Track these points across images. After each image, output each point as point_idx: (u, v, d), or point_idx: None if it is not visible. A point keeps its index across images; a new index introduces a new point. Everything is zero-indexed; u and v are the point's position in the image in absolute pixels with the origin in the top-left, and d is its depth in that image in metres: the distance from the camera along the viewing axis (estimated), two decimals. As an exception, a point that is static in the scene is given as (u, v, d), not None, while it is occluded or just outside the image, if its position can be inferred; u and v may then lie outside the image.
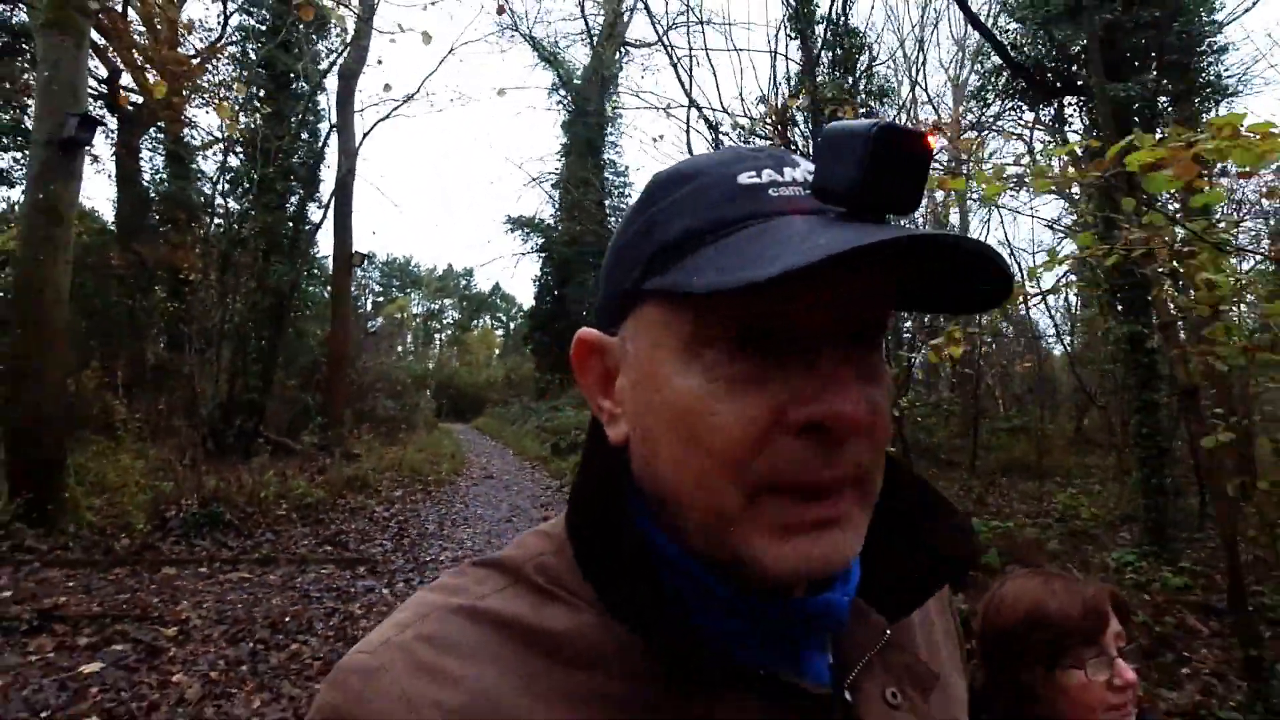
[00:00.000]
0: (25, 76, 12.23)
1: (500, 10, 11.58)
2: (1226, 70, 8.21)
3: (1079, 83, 6.72)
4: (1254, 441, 4.37)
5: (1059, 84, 6.88)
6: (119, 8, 11.53)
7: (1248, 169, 2.28)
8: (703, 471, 0.41)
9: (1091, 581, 1.09)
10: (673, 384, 0.42)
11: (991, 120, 10.51)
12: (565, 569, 0.46)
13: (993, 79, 8.16)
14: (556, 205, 21.10)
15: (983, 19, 9.49)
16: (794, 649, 0.46)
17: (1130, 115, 6.45)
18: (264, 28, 13.27)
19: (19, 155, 13.35)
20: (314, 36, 13.73)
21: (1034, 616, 1.04)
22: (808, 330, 0.40)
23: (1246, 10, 8.04)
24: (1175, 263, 3.17)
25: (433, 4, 8.03)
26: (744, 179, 0.43)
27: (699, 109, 8.63)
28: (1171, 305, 3.74)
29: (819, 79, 10.54)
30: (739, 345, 0.40)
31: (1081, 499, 8.74)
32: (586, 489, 0.48)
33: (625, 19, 19.27)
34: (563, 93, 20.44)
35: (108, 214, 14.61)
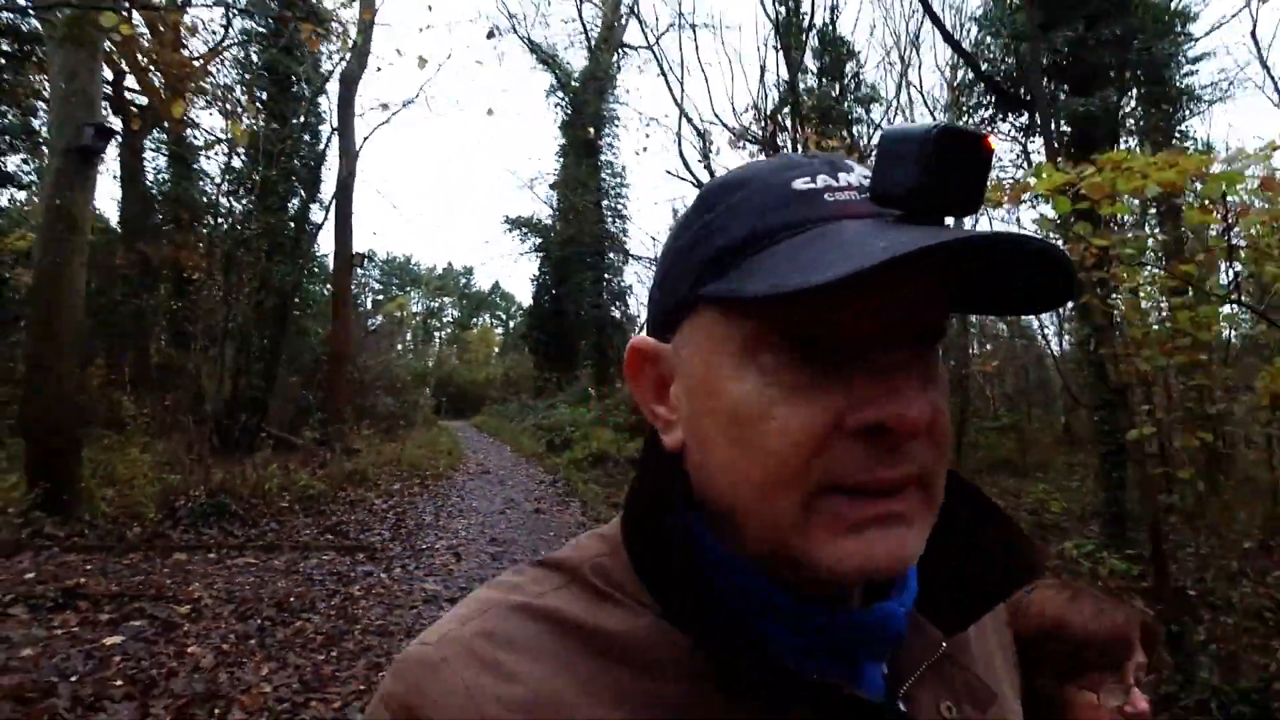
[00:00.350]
0: (34, 77, 12.50)
1: (490, 35, 11.87)
2: (1211, 78, 8.53)
3: (1048, 95, 7.03)
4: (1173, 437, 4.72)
5: (1029, 96, 7.20)
6: (125, 10, 11.85)
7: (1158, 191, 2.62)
8: (760, 476, 0.40)
9: (1124, 607, 1.06)
10: (729, 389, 0.42)
11: (984, 123, 10.83)
12: (621, 571, 0.46)
13: (969, 89, 8.50)
14: (555, 206, 21.42)
15: (961, 32, 9.81)
16: (850, 659, 0.45)
17: (1095, 128, 6.78)
18: (265, 31, 13.56)
19: (26, 157, 13.69)
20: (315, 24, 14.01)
21: (1055, 631, 1.03)
22: (867, 334, 0.40)
23: (1213, 30, 8.38)
24: (1103, 271, 3.50)
25: (430, 27, 8.36)
26: (798, 184, 0.43)
27: (689, 119, 8.93)
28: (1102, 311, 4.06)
29: (806, 86, 10.85)
30: (797, 349, 0.40)
31: (1055, 494, 9.08)
32: (642, 494, 0.48)
33: (622, 22, 19.58)
34: (560, 95, 20.74)
35: (112, 214, 14.95)
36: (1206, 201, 2.90)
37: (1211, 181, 2.27)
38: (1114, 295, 3.52)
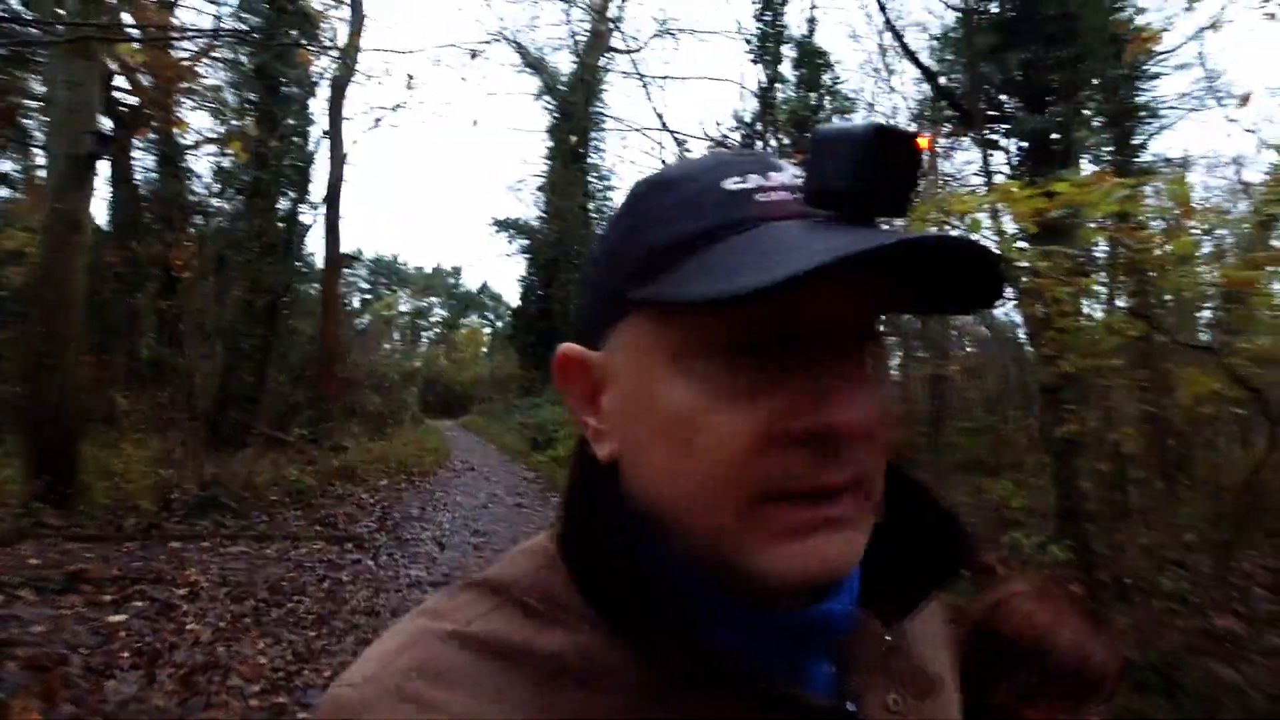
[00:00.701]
0: (25, 78, 12.64)
1: (473, 55, 12.19)
2: (1189, 88, 8.98)
3: (1004, 111, 7.45)
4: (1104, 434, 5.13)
5: (989, 112, 7.60)
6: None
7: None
8: (699, 485, 0.40)
9: (1105, 637, 1.04)
10: (665, 396, 0.41)
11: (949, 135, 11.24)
12: (560, 586, 0.45)
13: (931, 106, 8.92)
14: (542, 208, 21.74)
15: (934, 48, 10.20)
16: (797, 661, 0.45)
17: (1050, 144, 7.17)
18: (257, 34, 13.76)
19: (18, 157, 13.85)
20: (305, 44, 14.26)
21: (1037, 649, 1.00)
22: (804, 337, 0.40)
23: (1169, 53, 8.85)
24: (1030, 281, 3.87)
25: (419, 50, 8.69)
26: (730, 184, 0.42)
27: (669, 131, 9.27)
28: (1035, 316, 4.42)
29: (783, 97, 11.23)
30: (733, 354, 0.39)
31: (1019, 491, 9.48)
32: (577, 504, 0.47)
33: (609, 27, 19.90)
34: (548, 98, 21.05)
35: (100, 212, 15.09)
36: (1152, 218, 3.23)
37: (1091, 205, 2.63)
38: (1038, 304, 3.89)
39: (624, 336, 0.44)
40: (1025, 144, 7.46)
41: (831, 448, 0.39)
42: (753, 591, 0.42)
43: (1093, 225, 3.48)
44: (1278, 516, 6.64)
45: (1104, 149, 9.57)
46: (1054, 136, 7.20)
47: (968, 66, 6.93)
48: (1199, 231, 3.54)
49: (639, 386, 0.43)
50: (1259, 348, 3.51)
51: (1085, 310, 4.47)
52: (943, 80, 8.81)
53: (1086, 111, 7.76)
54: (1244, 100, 4.27)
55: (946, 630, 0.61)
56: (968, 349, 16.63)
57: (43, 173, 10.44)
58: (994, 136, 8.32)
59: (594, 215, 20.92)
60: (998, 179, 7.78)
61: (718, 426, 0.39)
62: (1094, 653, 1.00)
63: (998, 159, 9.41)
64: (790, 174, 0.44)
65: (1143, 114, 9.70)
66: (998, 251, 0.39)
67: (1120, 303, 4.80)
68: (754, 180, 0.43)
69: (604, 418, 0.46)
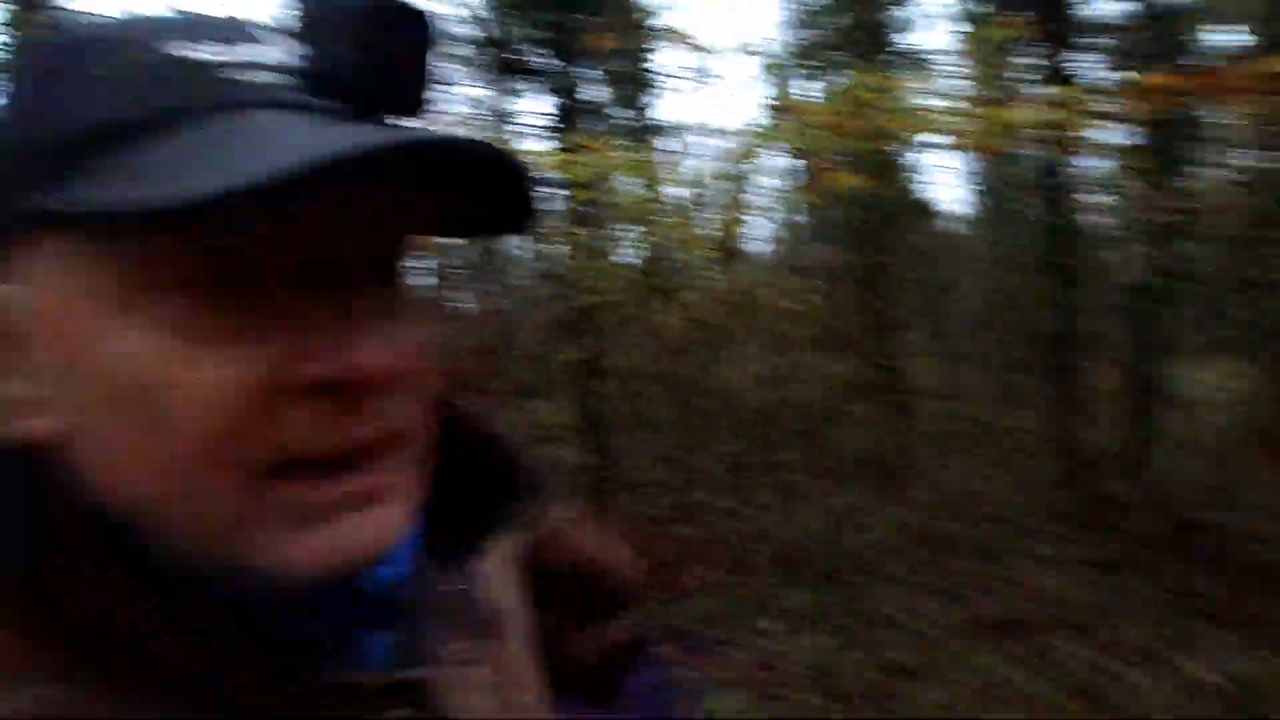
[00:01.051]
0: None
1: None
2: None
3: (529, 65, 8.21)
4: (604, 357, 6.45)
5: (522, 63, 8.24)
6: None
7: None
8: (177, 465, 0.30)
9: (630, 551, 1.12)
10: (110, 349, 0.30)
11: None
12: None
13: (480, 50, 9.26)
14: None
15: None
16: (352, 635, 0.38)
17: (576, 101, 8.08)
18: None
19: None
20: None
21: (584, 573, 1.06)
22: (298, 264, 0.31)
23: (666, 31, 10.64)
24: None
25: None
26: (181, 52, 0.31)
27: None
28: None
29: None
30: (203, 288, 0.30)
31: (557, 411, 10.86)
32: (9, 517, 0.32)
33: None
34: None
35: None
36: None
37: (559, 171, 3.18)
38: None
39: (40, 262, 0.31)
40: (559, 99, 8.25)
41: (353, 398, 0.31)
42: (274, 585, 0.32)
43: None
44: (732, 415, 8.97)
45: (621, 110, 11.17)
46: (580, 95, 8.13)
47: (499, 17, 7.36)
48: (682, 191, 4.49)
49: (68, 335, 0.31)
50: (718, 289, 4.66)
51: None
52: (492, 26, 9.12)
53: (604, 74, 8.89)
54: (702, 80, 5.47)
55: (514, 559, 0.56)
56: (524, 282, 18.08)
57: None
58: (527, 88, 9.07)
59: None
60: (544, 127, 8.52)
61: (194, 384, 0.29)
62: (627, 570, 1.10)
63: (538, 108, 10.27)
64: (276, 49, 0.33)
65: (643, 83, 11.55)
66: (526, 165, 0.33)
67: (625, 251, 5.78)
68: (217, 51, 0.32)
69: (22, 381, 0.32)
